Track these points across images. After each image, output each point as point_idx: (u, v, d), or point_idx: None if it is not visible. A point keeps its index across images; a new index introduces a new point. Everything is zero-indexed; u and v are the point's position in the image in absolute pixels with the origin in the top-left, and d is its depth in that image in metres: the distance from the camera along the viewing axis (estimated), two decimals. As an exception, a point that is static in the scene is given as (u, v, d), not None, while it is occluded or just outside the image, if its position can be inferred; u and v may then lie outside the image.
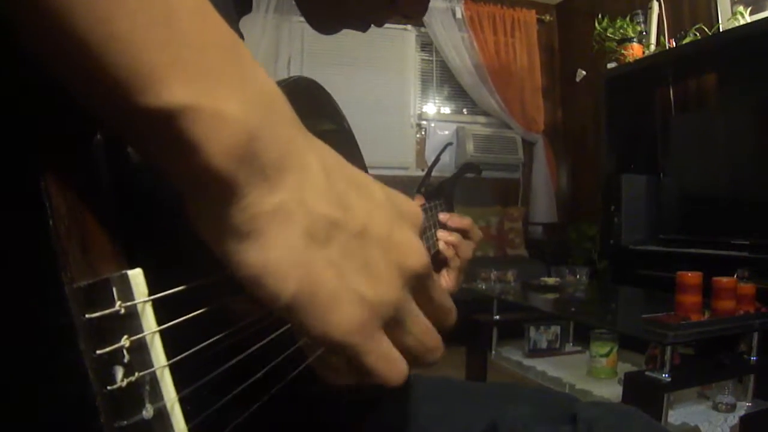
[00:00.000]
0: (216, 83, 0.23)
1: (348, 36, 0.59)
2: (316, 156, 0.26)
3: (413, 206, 0.30)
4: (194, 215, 0.25)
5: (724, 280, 1.63)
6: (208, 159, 0.23)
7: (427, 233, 0.70)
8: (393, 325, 0.28)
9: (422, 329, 0.29)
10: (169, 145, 0.23)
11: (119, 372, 0.22)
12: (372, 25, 0.59)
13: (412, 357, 0.29)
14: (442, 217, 0.72)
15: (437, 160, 0.92)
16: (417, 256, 0.28)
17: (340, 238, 0.26)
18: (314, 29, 0.58)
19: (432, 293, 0.30)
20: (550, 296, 2.41)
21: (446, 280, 0.70)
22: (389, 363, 0.27)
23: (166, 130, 0.22)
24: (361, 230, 0.26)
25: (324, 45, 3.64)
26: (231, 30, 0.25)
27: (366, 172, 0.61)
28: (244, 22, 0.58)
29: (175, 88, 0.22)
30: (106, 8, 0.21)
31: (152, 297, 0.24)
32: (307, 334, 0.26)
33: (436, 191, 0.80)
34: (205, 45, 0.23)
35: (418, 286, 0.29)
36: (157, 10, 0.22)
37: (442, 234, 0.70)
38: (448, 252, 0.70)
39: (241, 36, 0.56)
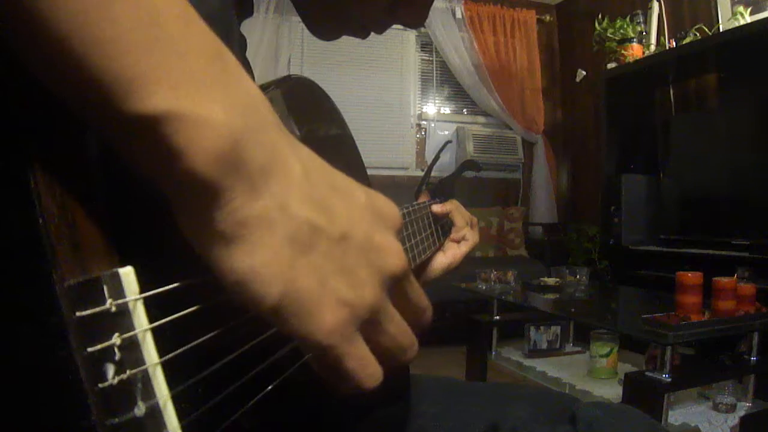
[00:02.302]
0: (200, 89, 0.23)
1: (348, 37, 0.59)
2: (299, 160, 0.26)
3: (392, 208, 0.31)
4: (180, 219, 0.25)
5: (724, 280, 1.63)
6: (193, 165, 0.23)
7: (427, 231, 0.70)
8: (370, 325, 0.28)
9: (398, 329, 0.30)
10: (154, 150, 0.23)
11: (110, 370, 0.22)
12: (372, 32, 0.59)
13: (388, 356, 0.30)
14: (435, 208, 0.76)
15: (437, 158, 0.92)
16: (395, 258, 0.29)
17: (322, 243, 0.26)
18: (313, 35, 0.58)
19: (409, 294, 0.31)
20: (550, 296, 2.41)
21: (452, 252, 0.77)
22: (365, 366, 0.28)
23: (150, 136, 0.22)
24: (342, 235, 0.27)
25: (324, 45, 3.64)
26: (215, 36, 0.25)
27: (364, 172, 0.61)
28: (244, 24, 0.57)
29: (158, 94, 0.22)
30: (90, 13, 0.21)
31: (143, 295, 0.24)
32: (290, 336, 0.26)
33: (437, 189, 0.81)
34: (189, 51, 0.23)
35: (396, 287, 0.30)
36: (141, 16, 0.22)
37: (451, 243, 0.77)
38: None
39: (244, 39, 0.56)
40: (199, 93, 0.23)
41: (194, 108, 0.23)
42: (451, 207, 0.77)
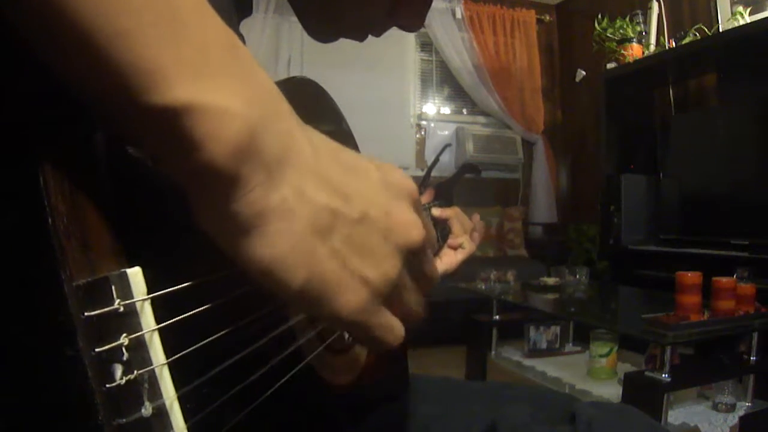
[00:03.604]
0: (218, 81, 0.23)
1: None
2: (312, 146, 0.27)
3: (406, 179, 0.31)
4: (199, 212, 0.25)
5: (724, 280, 1.63)
6: (213, 156, 0.23)
7: None
8: (391, 297, 0.29)
9: (414, 298, 0.32)
10: (174, 142, 0.23)
11: (118, 370, 0.22)
12: (369, 35, 0.59)
13: (403, 318, 0.31)
14: (434, 212, 0.75)
15: (436, 160, 0.92)
16: (414, 231, 0.30)
17: (341, 226, 0.27)
18: (312, 38, 0.59)
19: (423, 266, 0.32)
20: (550, 296, 2.41)
21: (449, 258, 0.76)
22: (391, 332, 0.30)
23: (170, 127, 0.23)
24: (361, 216, 0.27)
25: (324, 46, 3.62)
26: (228, 28, 0.25)
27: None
28: (244, 23, 0.58)
29: (179, 86, 0.22)
30: (110, 6, 0.21)
31: (151, 295, 0.24)
32: (317, 317, 0.28)
33: (436, 192, 0.81)
34: (207, 43, 0.23)
35: (413, 257, 0.31)
36: (160, 8, 0.22)
37: (448, 250, 0.76)
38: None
39: (242, 38, 0.56)
40: (218, 84, 0.23)
41: (214, 99, 0.23)
42: (451, 213, 0.77)
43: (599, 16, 3.45)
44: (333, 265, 0.26)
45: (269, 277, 0.25)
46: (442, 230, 0.77)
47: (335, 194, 0.27)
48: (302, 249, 0.25)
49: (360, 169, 0.29)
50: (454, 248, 0.78)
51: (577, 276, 2.53)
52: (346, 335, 0.32)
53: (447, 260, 0.77)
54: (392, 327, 0.30)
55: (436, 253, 0.76)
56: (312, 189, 0.26)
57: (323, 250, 0.26)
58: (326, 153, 0.28)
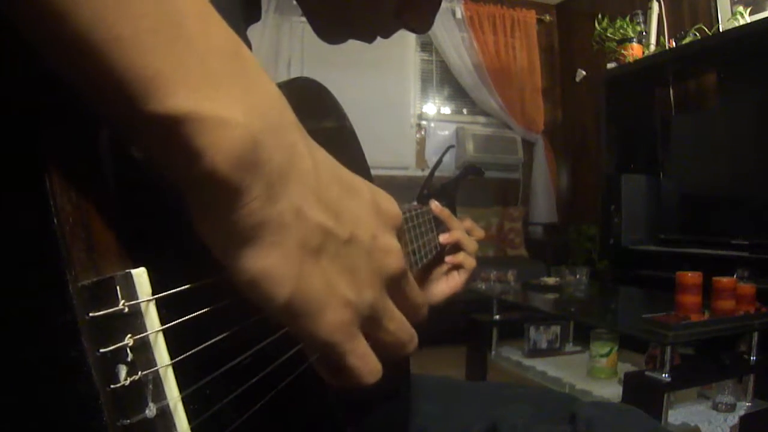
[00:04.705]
0: (220, 89, 0.23)
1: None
2: (314, 161, 0.27)
3: (394, 207, 0.32)
4: (196, 219, 0.25)
5: (724, 280, 1.64)
6: (212, 166, 0.23)
7: (425, 237, 0.70)
8: (370, 323, 0.29)
9: (397, 325, 0.31)
10: (174, 150, 0.23)
11: (122, 371, 0.23)
12: (378, 37, 0.59)
13: (388, 351, 0.31)
14: (442, 238, 0.73)
15: (439, 162, 0.93)
16: (395, 259, 0.30)
17: (330, 246, 0.27)
18: (321, 39, 0.59)
19: (406, 291, 0.33)
20: (550, 296, 2.41)
21: (453, 281, 0.74)
22: (366, 362, 0.29)
23: (170, 136, 0.22)
24: (349, 238, 0.28)
25: (324, 45, 3.61)
26: (235, 35, 0.25)
27: (368, 170, 0.62)
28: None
29: (178, 95, 0.22)
30: (109, 12, 0.21)
31: (156, 296, 0.24)
32: (296, 335, 0.27)
33: (439, 193, 0.81)
34: (209, 51, 0.23)
35: (394, 285, 0.31)
36: (161, 15, 0.22)
37: (448, 259, 0.75)
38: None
39: (249, 44, 0.56)
40: (219, 93, 0.23)
41: (214, 109, 0.23)
42: (447, 213, 0.76)
43: (599, 16, 3.45)
44: (318, 282, 0.26)
45: (256, 288, 0.25)
46: (442, 231, 0.76)
47: (329, 213, 0.27)
48: (291, 264, 0.25)
49: (355, 189, 0.29)
50: (456, 267, 0.76)
51: (577, 276, 2.53)
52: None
53: (452, 283, 0.76)
54: (367, 357, 0.29)
55: (437, 257, 0.75)
56: (309, 207, 0.26)
57: (311, 267, 0.26)
58: (326, 169, 0.28)
